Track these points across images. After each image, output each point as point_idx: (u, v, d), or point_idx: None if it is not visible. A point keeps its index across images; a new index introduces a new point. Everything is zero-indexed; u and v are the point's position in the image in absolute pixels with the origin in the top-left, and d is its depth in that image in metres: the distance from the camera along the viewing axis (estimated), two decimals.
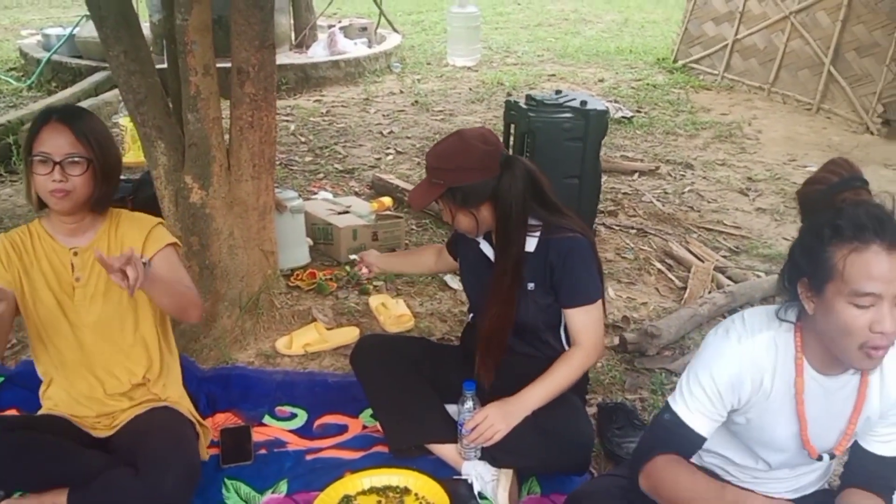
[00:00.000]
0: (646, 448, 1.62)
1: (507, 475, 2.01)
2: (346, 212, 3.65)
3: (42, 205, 1.90)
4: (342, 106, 6.42)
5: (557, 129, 3.37)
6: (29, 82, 6.68)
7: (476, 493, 2.03)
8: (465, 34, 8.01)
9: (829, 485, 1.79)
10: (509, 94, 6.58)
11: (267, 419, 2.41)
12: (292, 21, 7.78)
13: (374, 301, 3.10)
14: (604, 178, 4.02)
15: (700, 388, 1.54)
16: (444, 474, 2.09)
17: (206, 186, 2.65)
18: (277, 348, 2.78)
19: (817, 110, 6.32)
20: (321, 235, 3.55)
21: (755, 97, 6.86)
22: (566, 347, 2.13)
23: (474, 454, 2.05)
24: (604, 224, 3.97)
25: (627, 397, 2.54)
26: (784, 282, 1.50)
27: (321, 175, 4.71)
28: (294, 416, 2.43)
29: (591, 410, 2.38)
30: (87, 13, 6.04)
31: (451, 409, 2.15)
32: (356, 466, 2.16)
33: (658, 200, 4.37)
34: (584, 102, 3.43)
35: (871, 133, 5.80)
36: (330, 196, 4.13)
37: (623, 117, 5.96)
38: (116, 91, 5.51)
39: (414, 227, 3.89)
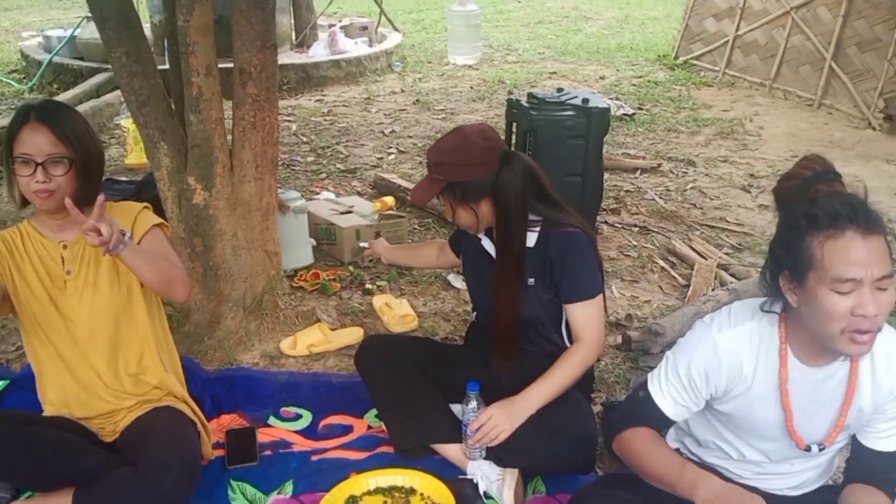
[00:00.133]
0: (618, 417, 1.74)
1: (512, 475, 2.01)
2: (349, 212, 3.65)
3: (25, 203, 1.91)
4: (343, 105, 6.42)
5: (559, 127, 3.37)
6: (30, 84, 6.69)
7: (481, 492, 2.04)
8: (465, 32, 8.00)
9: (832, 481, 1.80)
10: (510, 93, 6.58)
11: (272, 420, 2.41)
12: (293, 21, 7.77)
13: (378, 301, 3.10)
14: (606, 175, 4.03)
15: (675, 373, 1.63)
16: (450, 474, 2.09)
17: (209, 187, 2.65)
18: (282, 349, 2.78)
19: (819, 106, 6.31)
20: (324, 236, 3.55)
21: (756, 93, 6.85)
22: (568, 344, 2.13)
23: (479, 454, 2.05)
24: (606, 222, 3.97)
25: None
26: (766, 278, 1.53)
27: (323, 175, 4.71)
28: (299, 416, 2.43)
29: (596, 409, 2.38)
30: (88, 14, 6.05)
31: (456, 408, 2.16)
32: (361, 467, 2.16)
33: (660, 198, 4.37)
34: (585, 100, 3.43)
35: (873, 128, 5.79)
36: (332, 196, 4.13)
37: (625, 115, 5.96)
38: (118, 92, 5.51)
39: (417, 226, 3.89)
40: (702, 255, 3.57)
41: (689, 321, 2.91)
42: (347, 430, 2.37)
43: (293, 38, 7.73)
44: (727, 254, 3.66)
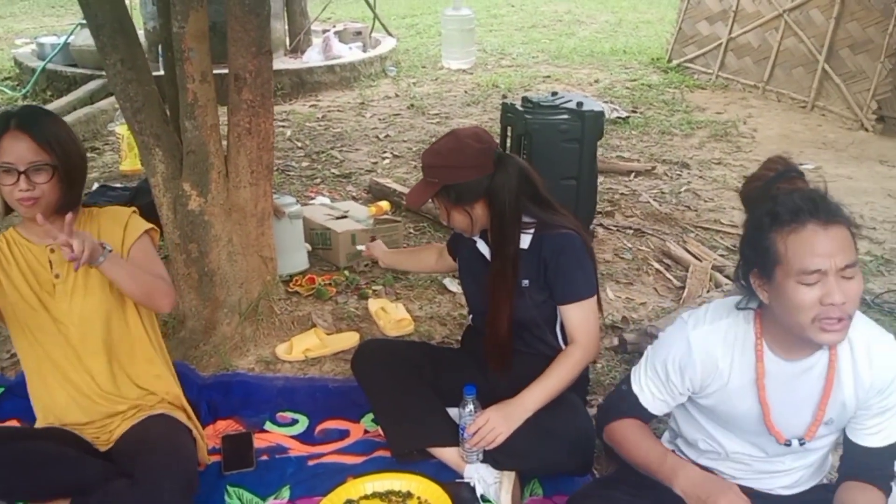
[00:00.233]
0: (605, 408, 1.84)
1: (509, 478, 2.01)
2: (344, 216, 3.65)
3: (9, 210, 1.91)
4: (338, 110, 6.43)
5: (554, 131, 3.38)
6: (24, 92, 6.68)
7: (479, 496, 2.04)
8: (459, 37, 8.02)
9: (827, 480, 1.80)
10: (504, 97, 6.59)
11: (268, 425, 2.41)
12: (287, 26, 7.79)
13: (374, 305, 3.10)
14: (600, 178, 4.04)
15: (653, 368, 1.70)
16: (447, 478, 2.09)
17: (204, 193, 2.65)
18: (277, 354, 2.78)
19: (812, 108, 6.34)
20: (319, 241, 3.55)
21: (750, 96, 6.88)
22: (563, 346, 2.14)
23: (476, 457, 2.05)
24: (601, 225, 3.98)
25: None
26: (739, 279, 1.57)
27: (318, 180, 4.72)
28: (295, 421, 2.43)
29: (592, 412, 2.38)
30: (82, 21, 6.04)
31: (453, 412, 2.15)
32: (358, 471, 2.16)
33: (655, 200, 4.38)
34: (580, 104, 3.44)
35: (866, 130, 5.82)
36: (327, 201, 4.13)
37: (619, 118, 5.97)
38: (112, 99, 5.51)
39: (412, 230, 3.89)
40: (696, 257, 3.58)
41: None
42: (344, 434, 2.37)
43: (287, 43, 7.74)
44: (721, 255, 3.67)
